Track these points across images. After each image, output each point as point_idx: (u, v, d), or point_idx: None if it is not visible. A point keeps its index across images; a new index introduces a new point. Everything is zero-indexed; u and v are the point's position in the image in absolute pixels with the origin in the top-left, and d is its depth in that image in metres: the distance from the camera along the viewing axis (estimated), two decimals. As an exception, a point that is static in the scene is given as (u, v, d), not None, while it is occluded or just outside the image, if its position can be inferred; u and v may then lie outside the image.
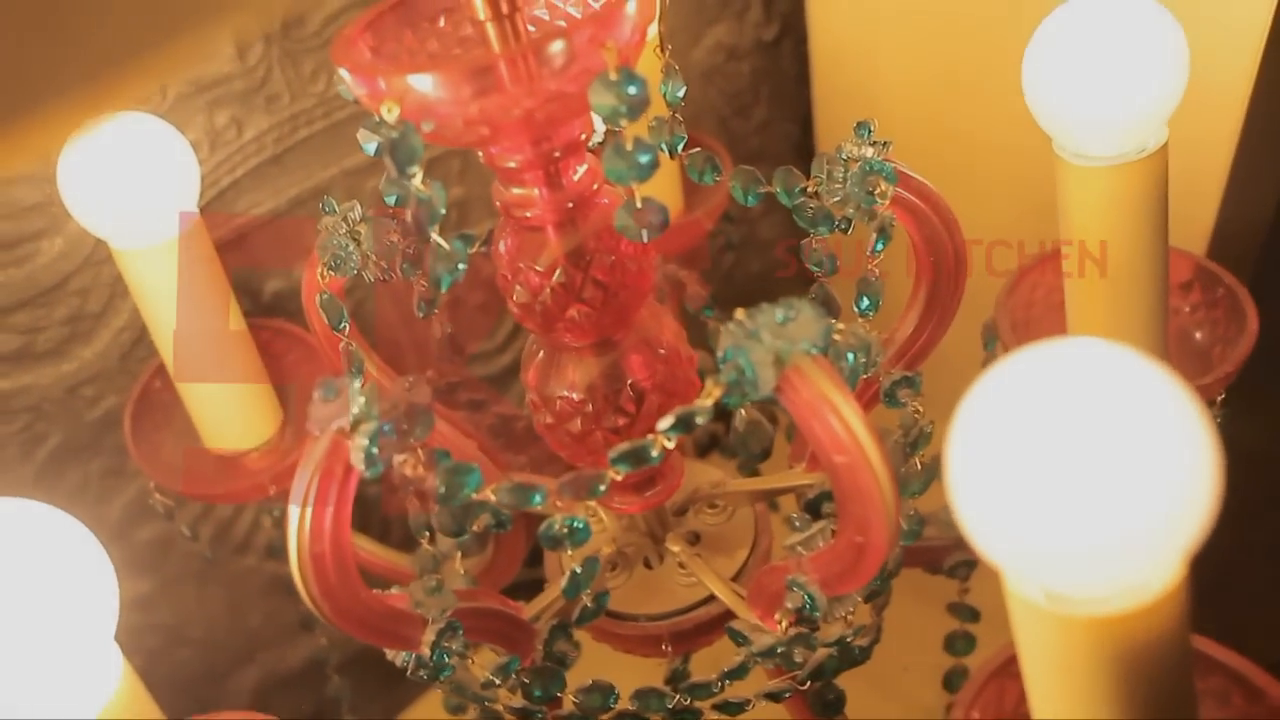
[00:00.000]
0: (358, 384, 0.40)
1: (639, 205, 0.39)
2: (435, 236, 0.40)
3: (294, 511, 0.40)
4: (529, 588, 0.56)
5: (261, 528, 0.76)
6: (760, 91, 0.88)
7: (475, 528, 0.60)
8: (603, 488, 0.41)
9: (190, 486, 0.63)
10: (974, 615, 0.63)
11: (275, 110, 0.65)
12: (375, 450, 0.39)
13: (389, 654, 0.47)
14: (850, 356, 0.41)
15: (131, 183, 0.54)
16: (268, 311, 0.69)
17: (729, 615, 0.52)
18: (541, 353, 0.50)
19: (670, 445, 0.39)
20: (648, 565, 0.57)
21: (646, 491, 0.53)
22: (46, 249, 0.61)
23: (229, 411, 0.63)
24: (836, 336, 0.40)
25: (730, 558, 0.55)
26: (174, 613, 0.75)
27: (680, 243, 0.70)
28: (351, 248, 0.51)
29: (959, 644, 0.64)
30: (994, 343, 0.59)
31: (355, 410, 0.39)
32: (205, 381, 0.61)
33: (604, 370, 0.48)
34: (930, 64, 0.78)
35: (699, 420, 0.38)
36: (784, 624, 0.45)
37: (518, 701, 0.49)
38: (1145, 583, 0.27)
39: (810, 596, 0.43)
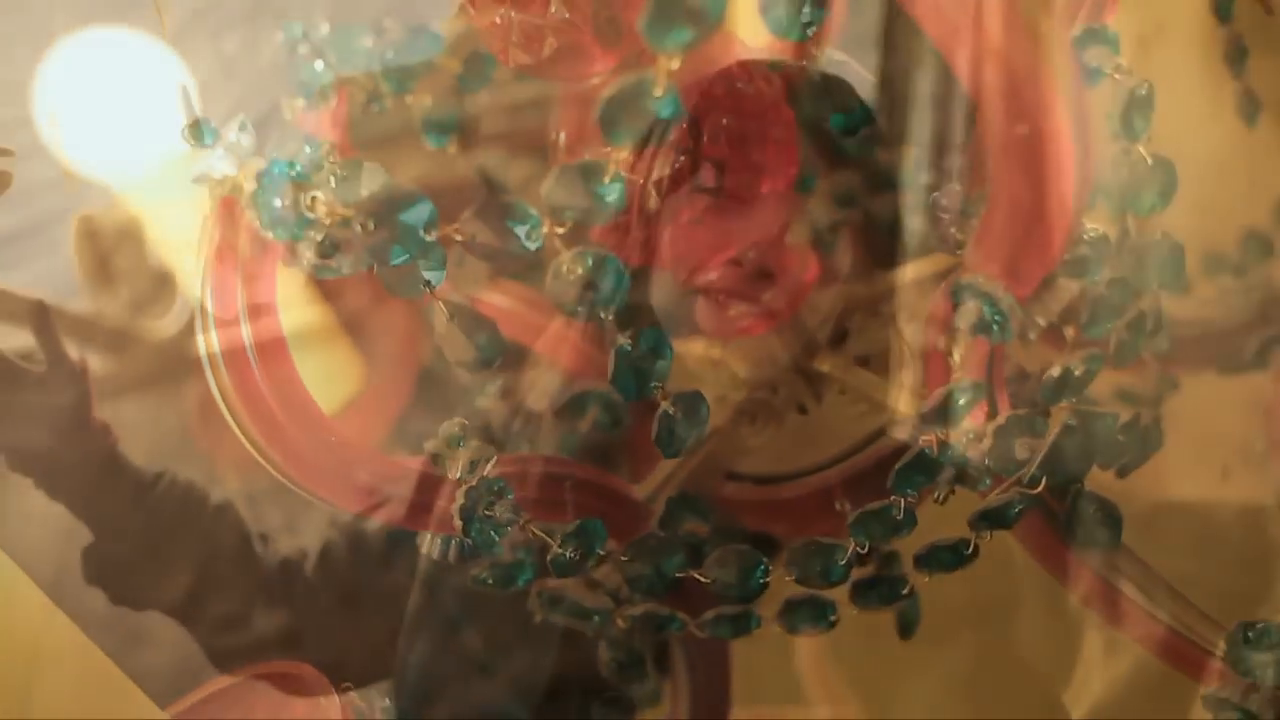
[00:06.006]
0: (241, 119, 0.28)
1: None
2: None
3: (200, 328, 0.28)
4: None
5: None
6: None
7: (583, 426, 0.47)
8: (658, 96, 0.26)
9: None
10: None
11: None
12: (277, 201, 0.27)
13: (424, 543, 0.34)
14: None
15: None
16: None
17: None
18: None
19: None
20: (802, 411, 0.41)
21: (764, 294, 0.38)
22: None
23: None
24: None
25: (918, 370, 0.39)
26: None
27: None
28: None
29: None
30: (1231, 5, 0.41)
31: (240, 149, 0.27)
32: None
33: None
34: None
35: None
36: (956, 357, 0.28)
37: (631, 600, 0.35)
38: None
39: (988, 299, 0.27)
